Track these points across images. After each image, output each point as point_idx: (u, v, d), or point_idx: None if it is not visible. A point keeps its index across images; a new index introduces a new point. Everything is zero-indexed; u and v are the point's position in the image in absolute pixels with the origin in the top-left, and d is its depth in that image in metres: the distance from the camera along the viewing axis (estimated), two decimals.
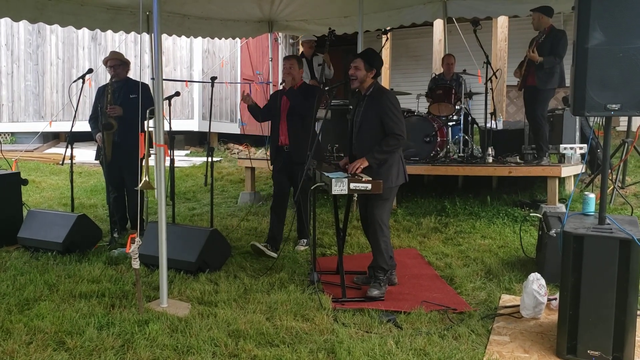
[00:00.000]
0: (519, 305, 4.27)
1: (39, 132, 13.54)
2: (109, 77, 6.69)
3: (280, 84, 6.26)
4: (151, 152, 5.04)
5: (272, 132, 6.21)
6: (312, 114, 5.94)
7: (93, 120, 6.59)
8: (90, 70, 6.67)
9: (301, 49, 9.94)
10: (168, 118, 5.84)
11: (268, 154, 6.66)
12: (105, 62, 6.59)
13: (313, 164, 5.15)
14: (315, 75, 9.23)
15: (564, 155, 7.87)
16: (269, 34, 10.56)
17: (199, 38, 10.33)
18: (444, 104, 8.43)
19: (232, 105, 14.68)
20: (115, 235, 6.54)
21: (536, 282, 4.16)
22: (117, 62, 6.52)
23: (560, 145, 7.93)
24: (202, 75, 13.45)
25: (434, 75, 9.89)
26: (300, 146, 5.79)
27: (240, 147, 13.82)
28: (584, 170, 8.23)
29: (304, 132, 5.86)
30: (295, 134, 6.00)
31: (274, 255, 5.91)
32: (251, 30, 10.20)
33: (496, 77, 8.25)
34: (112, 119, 6.31)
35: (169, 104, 5.96)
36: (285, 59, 6.21)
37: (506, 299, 4.62)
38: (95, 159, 6.80)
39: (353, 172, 4.66)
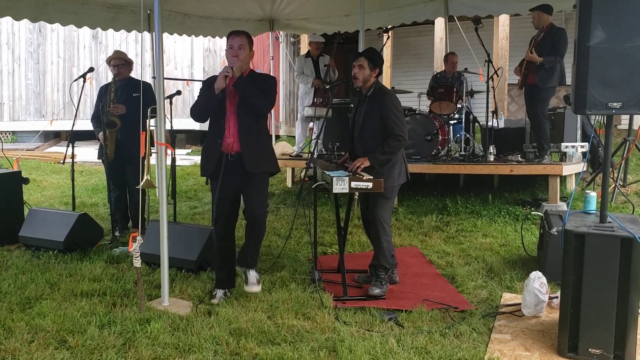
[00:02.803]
0: (520, 304, 4.27)
1: (40, 131, 13.55)
2: (110, 75, 6.69)
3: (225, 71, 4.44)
4: (152, 150, 5.04)
5: (212, 133, 4.60)
6: (268, 110, 4.61)
7: (95, 119, 6.59)
8: (91, 69, 6.67)
9: (303, 48, 9.95)
10: (169, 117, 5.84)
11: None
12: (109, 61, 6.59)
13: (314, 161, 5.15)
14: (321, 75, 9.25)
15: (565, 153, 7.87)
16: (270, 33, 10.56)
17: (200, 37, 10.33)
18: (445, 103, 8.43)
19: None
20: (117, 233, 6.54)
21: (537, 280, 4.16)
22: (121, 62, 6.53)
23: (562, 144, 7.93)
24: (203, 74, 13.46)
25: (435, 73, 9.89)
26: (256, 154, 4.52)
27: None
28: (585, 169, 8.22)
29: (260, 136, 4.60)
30: (248, 136, 4.50)
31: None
32: (252, 29, 10.19)
33: (497, 76, 8.26)
34: (115, 118, 6.32)
35: (170, 103, 5.96)
36: (234, 35, 4.50)
37: (507, 298, 4.62)
38: (98, 158, 6.81)
39: (354, 171, 4.65)
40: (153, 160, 5.01)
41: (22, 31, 15.46)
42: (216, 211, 4.66)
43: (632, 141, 7.81)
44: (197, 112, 4.52)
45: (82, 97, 6.70)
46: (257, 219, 4.61)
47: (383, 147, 4.68)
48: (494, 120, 8.66)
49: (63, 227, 5.93)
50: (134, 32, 8.58)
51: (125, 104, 6.33)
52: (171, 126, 6.01)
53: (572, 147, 7.81)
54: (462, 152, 8.50)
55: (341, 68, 9.95)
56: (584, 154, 7.76)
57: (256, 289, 4.61)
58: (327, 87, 8.84)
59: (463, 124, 8.70)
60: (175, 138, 6.26)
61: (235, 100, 4.50)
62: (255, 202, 4.60)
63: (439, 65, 11.95)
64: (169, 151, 5.10)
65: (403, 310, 4.38)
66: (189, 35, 9.66)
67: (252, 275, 4.64)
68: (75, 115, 6.50)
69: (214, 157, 4.53)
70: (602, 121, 7.94)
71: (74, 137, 6.48)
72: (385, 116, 4.70)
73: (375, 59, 4.87)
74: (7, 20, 7.66)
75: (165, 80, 4.72)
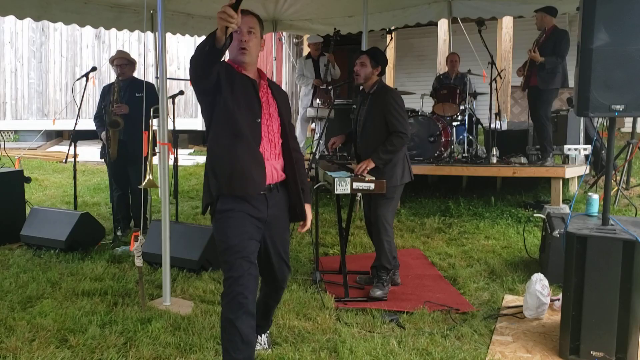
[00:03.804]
0: (521, 306, 4.26)
1: (42, 130, 13.56)
2: (112, 75, 6.70)
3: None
4: (155, 150, 5.05)
5: (243, 152, 3.11)
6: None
7: (98, 118, 6.60)
8: (93, 69, 6.68)
9: (306, 49, 9.94)
10: (172, 117, 5.85)
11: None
12: (112, 61, 6.59)
13: (316, 162, 5.14)
14: (321, 75, 9.25)
15: (568, 156, 7.86)
16: (273, 34, 10.55)
17: (203, 37, 10.37)
18: (448, 104, 8.42)
19: None
20: (119, 233, 6.55)
21: (539, 282, 4.15)
22: (124, 62, 6.53)
23: (565, 146, 7.92)
24: None
25: (438, 75, 9.88)
26: (297, 184, 3.35)
27: None
28: (587, 171, 8.21)
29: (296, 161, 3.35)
30: (291, 160, 3.33)
31: None
32: None
33: (501, 78, 8.24)
34: (118, 117, 6.32)
35: (173, 103, 5.97)
36: (241, 15, 2.85)
37: (509, 300, 4.61)
38: (100, 158, 6.82)
39: (359, 173, 4.64)
40: (155, 160, 5.02)
41: (25, 30, 15.48)
42: (238, 265, 3.10)
43: (635, 144, 7.80)
44: (194, 63, 3.00)
45: (84, 96, 6.70)
46: (286, 280, 3.51)
47: (386, 146, 4.66)
48: (497, 122, 8.65)
49: (65, 227, 5.93)
50: (136, 31, 8.58)
51: (128, 103, 6.33)
52: (174, 126, 6.01)
53: (575, 149, 7.80)
54: (465, 154, 8.49)
55: (344, 69, 9.94)
56: (586, 156, 7.75)
57: (265, 349, 3.66)
58: (328, 87, 8.82)
59: (466, 126, 8.70)
60: (178, 138, 6.26)
61: (275, 109, 3.28)
62: (286, 255, 3.44)
63: (442, 67, 11.95)
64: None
65: (404, 312, 4.37)
66: (192, 36, 9.65)
67: (264, 339, 3.73)
68: (78, 114, 6.51)
69: (257, 186, 3.13)
70: (605, 124, 7.95)
71: (77, 136, 6.48)
72: (387, 114, 4.69)
73: (377, 57, 4.86)
74: (10, 19, 7.67)
75: (168, 80, 4.72)
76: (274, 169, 3.21)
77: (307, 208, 3.41)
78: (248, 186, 3.11)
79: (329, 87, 8.83)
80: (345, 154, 8.03)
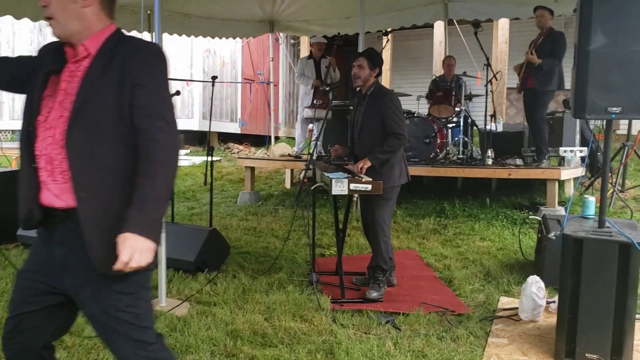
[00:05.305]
0: (517, 308, 4.27)
1: None
2: None
3: None
4: None
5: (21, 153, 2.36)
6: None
7: None
8: None
9: (303, 50, 9.94)
10: None
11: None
12: None
13: (314, 163, 5.14)
14: (322, 76, 9.26)
15: (563, 158, 7.88)
16: (270, 34, 10.56)
17: (200, 37, 10.35)
18: (444, 106, 8.44)
19: (233, 104, 14.66)
20: None
21: (535, 284, 4.16)
22: None
23: (560, 148, 7.93)
24: (202, 75, 13.45)
25: (434, 77, 9.90)
26: (113, 211, 2.12)
27: (240, 147, 13.82)
28: (583, 174, 8.23)
29: (122, 187, 2.17)
30: (94, 179, 2.10)
31: None
32: (252, 30, 10.21)
33: (496, 79, 8.27)
34: None
35: None
36: None
37: (505, 302, 4.62)
38: None
39: (356, 172, 4.65)
40: None
41: (23, 30, 15.43)
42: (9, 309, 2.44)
43: (631, 146, 7.81)
44: None
45: None
46: None
47: (383, 147, 4.67)
48: (492, 123, 8.68)
49: None
50: (134, 31, 8.57)
51: None
52: None
53: (571, 151, 7.82)
54: (461, 156, 8.51)
55: (341, 70, 9.95)
56: (582, 158, 7.77)
57: None
58: (326, 88, 8.83)
59: (461, 128, 8.71)
60: None
61: (67, 92, 2.12)
62: (115, 336, 2.21)
63: (438, 69, 11.96)
64: None
65: (400, 313, 4.37)
66: (189, 36, 9.66)
67: None
68: None
69: (24, 203, 2.36)
70: (601, 126, 7.97)
71: None
72: (385, 115, 4.69)
73: (374, 58, 4.87)
74: (8, 19, 7.65)
75: None
76: (53, 196, 2.16)
77: (131, 240, 2.02)
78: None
79: (327, 89, 8.84)
80: (344, 155, 8.05)
